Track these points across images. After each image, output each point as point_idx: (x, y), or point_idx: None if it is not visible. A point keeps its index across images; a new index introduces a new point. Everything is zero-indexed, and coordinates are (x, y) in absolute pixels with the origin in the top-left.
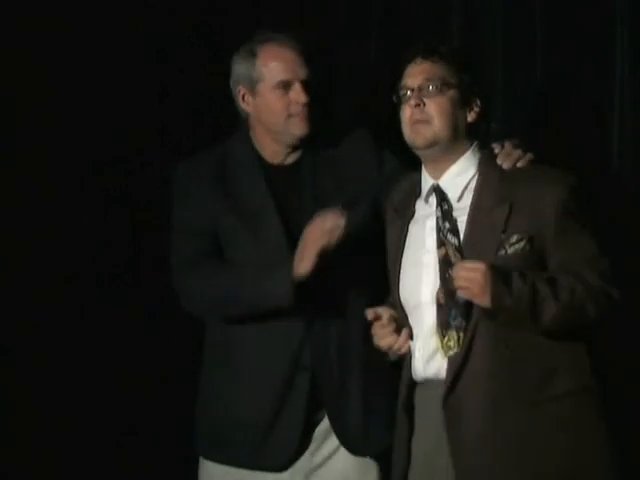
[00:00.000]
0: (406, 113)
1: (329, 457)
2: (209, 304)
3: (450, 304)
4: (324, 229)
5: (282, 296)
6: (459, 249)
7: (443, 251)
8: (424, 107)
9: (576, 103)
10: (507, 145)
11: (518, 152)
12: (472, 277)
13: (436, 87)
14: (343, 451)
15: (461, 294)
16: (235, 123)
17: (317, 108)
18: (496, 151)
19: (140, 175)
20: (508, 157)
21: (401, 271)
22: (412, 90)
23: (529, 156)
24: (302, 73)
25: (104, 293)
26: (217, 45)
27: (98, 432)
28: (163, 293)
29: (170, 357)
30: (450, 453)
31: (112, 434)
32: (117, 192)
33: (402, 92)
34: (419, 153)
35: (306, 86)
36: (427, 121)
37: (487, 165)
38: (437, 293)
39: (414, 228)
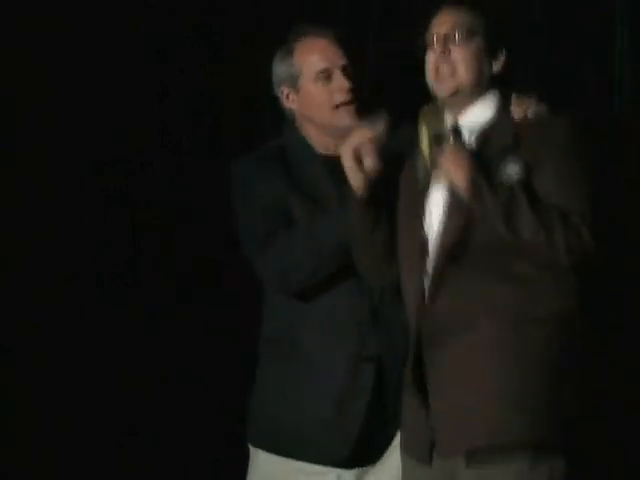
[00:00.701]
0: (430, 60)
1: (388, 453)
2: (293, 265)
3: None
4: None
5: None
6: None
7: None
8: (449, 54)
9: (576, 103)
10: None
11: (530, 100)
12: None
13: (462, 35)
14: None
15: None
16: (235, 123)
17: (363, 96)
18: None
19: (140, 175)
20: (520, 105)
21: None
22: (438, 38)
23: (542, 107)
24: (340, 60)
25: (104, 293)
26: (217, 45)
27: (98, 432)
28: (163, 293)
29: (170, 357)
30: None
31: (112, 434)
32: (117, 192)
33: (428, 40)
34: (442, 101)
35: (347, 72)
36: (451, 70)
37: (502, 111)
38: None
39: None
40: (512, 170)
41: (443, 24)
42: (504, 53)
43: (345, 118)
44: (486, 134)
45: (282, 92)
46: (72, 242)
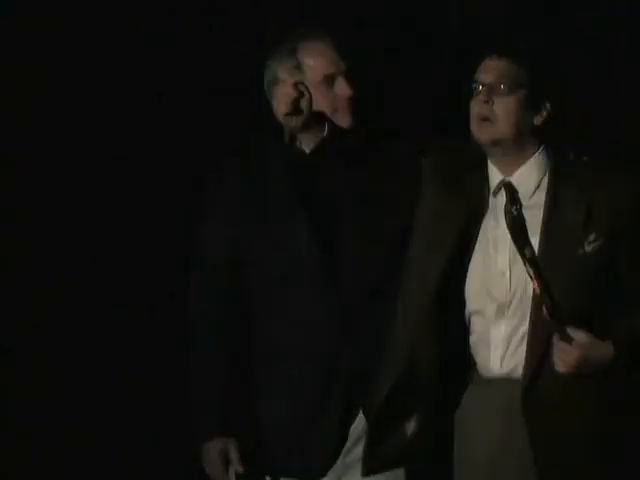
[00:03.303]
0: (474, 108)
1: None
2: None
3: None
4: None
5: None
6: (532, 261)
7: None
8: (492, 105)
9: (576, 103)
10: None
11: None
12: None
13: (506, 86)
14: None
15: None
16: (235, 123)
17: (361, 101)
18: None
19: (140, 175)
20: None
21: (470, 268)
22: (483, 85)
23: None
24: (343, 66)
25: (104, 293)
26: (217, 45)
27: (98, 432)
28: (163, 293)
29: (170, 357)
30: (534, 452)
31: (112, 434)
32: (117, 192)
33: (474, 86)
34: (484, 149)
35: (348, 79)
36: (492, 120)
37: (560, 165)
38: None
39: (489, 224)
40: (594, 245)
41: (488, 72)
42: (548, 107)
43: (342, 120)
44: (548, 194)
45: None
46: (72, 242)
